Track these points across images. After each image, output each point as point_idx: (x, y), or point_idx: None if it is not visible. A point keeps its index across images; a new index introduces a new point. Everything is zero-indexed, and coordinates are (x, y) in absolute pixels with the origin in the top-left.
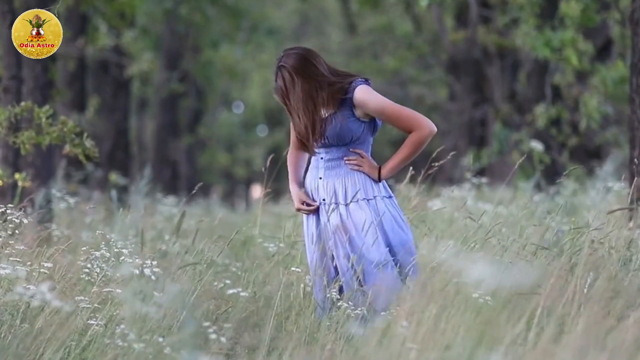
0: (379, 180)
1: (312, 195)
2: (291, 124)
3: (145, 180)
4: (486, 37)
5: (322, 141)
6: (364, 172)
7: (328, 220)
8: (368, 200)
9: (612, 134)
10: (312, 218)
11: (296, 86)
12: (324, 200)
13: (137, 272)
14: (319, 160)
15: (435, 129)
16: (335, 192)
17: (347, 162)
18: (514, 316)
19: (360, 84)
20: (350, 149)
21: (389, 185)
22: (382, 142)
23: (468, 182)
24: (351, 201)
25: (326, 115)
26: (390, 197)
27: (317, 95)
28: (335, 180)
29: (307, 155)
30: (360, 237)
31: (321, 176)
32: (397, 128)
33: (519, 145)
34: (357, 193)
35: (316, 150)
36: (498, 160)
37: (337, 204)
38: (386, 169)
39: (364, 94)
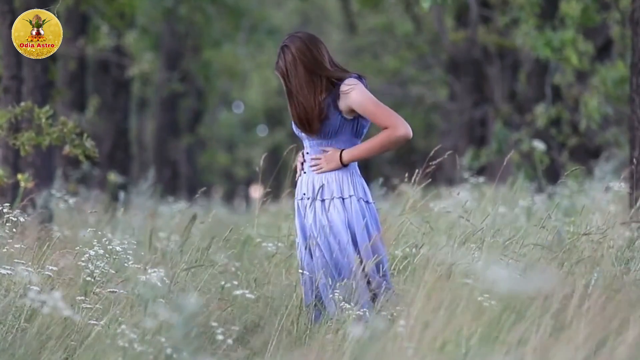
0: (342, 164)
1: (298, 190)
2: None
3: (149, 182)
4: (486, 37)
5: (321, 122)
6: (330, 169)
7: (305, 216)
8: (343, 199)
9: (612, 134)
10: (298, 217)
11: (298, 68)
12: (304, 194)
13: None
14: (305, 155)
15: (411, 135)
16: (313, 188)
17: (310, 167)
18: (514, 316)
19: (352, 77)
20: (321, 148)
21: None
22: None
23: (467, 182)
24: (327, 198)
25: (321, 99)
26: (368, 202)
27: (316, 80)
28: (315, 175)
29: None
30: (334, 236)
31: (305, 171)
32: (375, 124)
33: (518, 145)
34: (332, 191)
35: (307, 141)
36: (498, 159)
37: (313, 199)
38: (349, 153)
39: (350, 84)
